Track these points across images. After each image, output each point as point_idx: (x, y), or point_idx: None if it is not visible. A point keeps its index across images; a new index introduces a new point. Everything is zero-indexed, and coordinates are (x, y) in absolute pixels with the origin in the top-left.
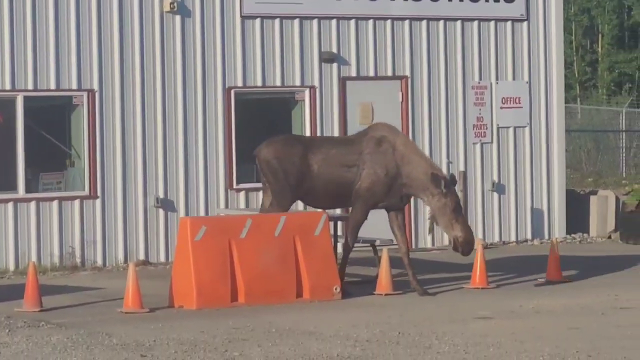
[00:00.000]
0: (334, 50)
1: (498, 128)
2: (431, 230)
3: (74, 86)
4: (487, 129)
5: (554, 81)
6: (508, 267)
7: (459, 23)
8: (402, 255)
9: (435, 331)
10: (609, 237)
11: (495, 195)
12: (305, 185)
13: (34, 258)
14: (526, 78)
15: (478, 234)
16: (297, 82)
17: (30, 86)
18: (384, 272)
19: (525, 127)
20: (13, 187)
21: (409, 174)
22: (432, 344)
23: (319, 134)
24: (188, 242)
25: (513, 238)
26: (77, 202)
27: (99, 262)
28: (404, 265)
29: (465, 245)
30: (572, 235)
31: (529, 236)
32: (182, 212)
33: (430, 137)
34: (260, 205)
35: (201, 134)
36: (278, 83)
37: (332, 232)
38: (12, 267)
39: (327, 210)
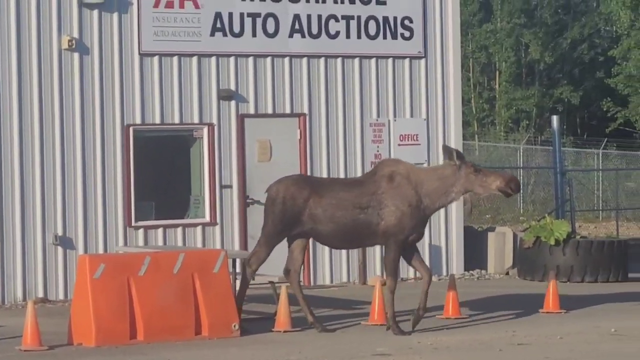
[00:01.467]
0: (232, 87)
1: None
2: (470, 211)
3: None
4: None
5: (452, 118)
6: (406, 304)
7: (357, 60)
8: (424, 284)
9: None
10: (507, 273)
11: None
12: (305, 227)
13: None
14: (424, 115)
15: (376, 271)
16: (196, 120)
17: None
18: (283, 309)
19: (423, 163)
20: None
21: (427, 192)
22: None
23: (217, 170)
24: (87, 280)
25: (412, 275)
26: None
27: None
28: (422, 293)
29: (510, 183)
30: (470, 271)
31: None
32: (80, 249)
33: (328, 175)
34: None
35: (100, 170)
36: (177, 120)
37: (231, 269)
38: None
39: (226, 248)
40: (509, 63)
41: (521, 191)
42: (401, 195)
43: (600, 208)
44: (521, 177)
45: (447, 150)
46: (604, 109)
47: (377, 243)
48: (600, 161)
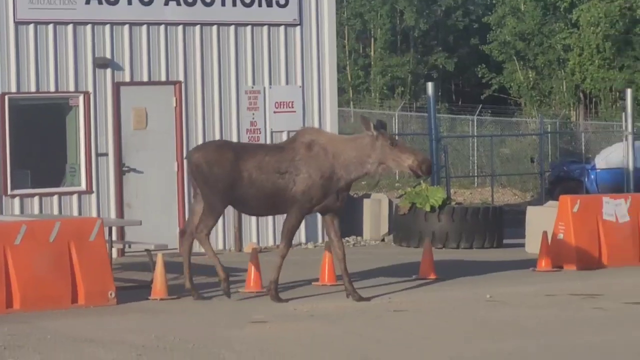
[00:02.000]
0: (108, 55)
1: (272, 132)
2: (376, 185)
3: None
4: (260, 133)
5: (327, 85)
6: (283, 271)
7: (232, 28)
8: (338, 261)
9: (210, 335)
10: (383, 240)
11: None
12: (236, 193)
13: None
14: (299, 82)
15: (252, 238)
16: (72, 88)
17: None
18: (159, 277)
19: None
20: None
21: (343, 163)
22: (207, 348)
23: (92, 139)
24: None
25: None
26: None
27: None
28: (341, 270)
29: (422, 164)
30: (346, 238)
31: (303, 240)
32: None
33: (204, 142)
34: (188, 211)
35: None
36: (52, 89)
37: (107, 237)
38: None
39: (102, 216)
40: (384, 30)
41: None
42: (316, 165)
43: (475, 174)
44: None
45: (364, 120)
46: (479, 76)
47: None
48: (475, 127)
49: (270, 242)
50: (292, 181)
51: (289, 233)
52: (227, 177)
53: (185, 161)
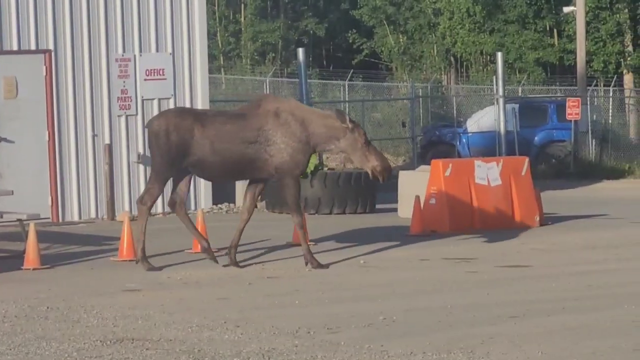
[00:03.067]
0: None
1: (142, 100)
2: (341, 170)
3: None
4: (131, 101)
5: (198, 52)
6: (156, 239)
7: None
8: (241, 222)
9: (84, 304)
10: (255, 206)
11: (141, 167)
12: (192, 159)
13: None
14: (170, 50)
15: (125, 207)
16: None
17: None
18: (31, 246)
19: (169, 98)
20: None
21: (313, 132)
22: (80, 317)
23: None
24: None
25: (160, 210)
26: None
27: None
28: (237, 231)
29: (384, 171)
30: (219, 205)
31: None
32: None
33: (75, 111)
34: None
35: None
36: None
37: None
38: None
39: None
40: None
41: None
42: (290, 132)
43: None
44: None
45: (339, 113)
46: (350, 41)
47: (262, 177)
48: (347, 93)
49: (159, 210)
50: (263, 151)
51: (294, 204)
52: (183, 144)
53: (145, 130)
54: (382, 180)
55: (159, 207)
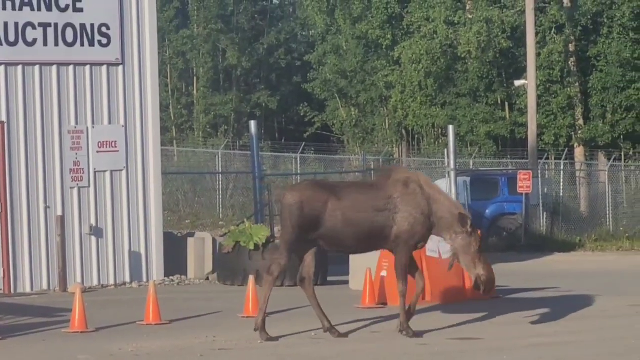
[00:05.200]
0: None
1: (95, 172)
2: (450, 268)
3: None
4: (84, 173)
5: (150, 124)
6: (107, 311)
7: (54, 68)
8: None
9: None
10: (207, 278)
11: (94, 238)
12: (322, 230)
13: None
14: (122, 122)
15: (76, 279)
16: None
17: None
18: None
19: (122, 170)
20: None
21: (436, 212)
22: None
23: None
24: None
25: (112, 281)
26: None
27: None
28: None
29: (487, 283)
30: (171, 277)
31: (127, 279)
32: None
33: (27, 183)
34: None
35: None
36: None
37: None
38: None
39: None
40: (206, 68)
41: (220, 196)
42: (415, 202)
43: None
44: (220, 182)
45: (462, 217)
46: (302, 114)
47: (386, 247)
48: (299, 165)
49: (95, 282)
50: (391, 219)
51: (403, 272)
52: (315, 216)
53: (275, 203)
54: (483, 291)
55: (110, 278)
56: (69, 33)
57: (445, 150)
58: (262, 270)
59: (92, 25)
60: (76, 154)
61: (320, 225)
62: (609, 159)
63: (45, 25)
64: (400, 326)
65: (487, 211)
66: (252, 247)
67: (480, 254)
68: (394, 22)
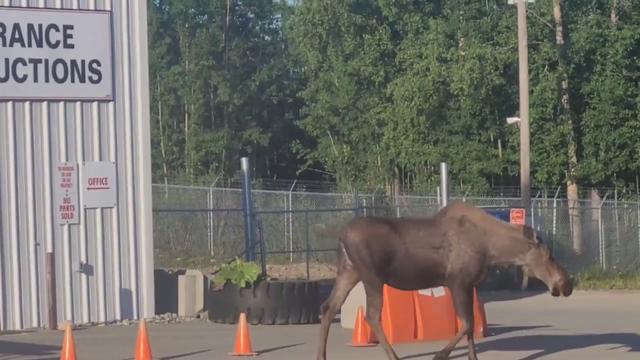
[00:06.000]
0: None
1: (85, 209)
2: (526, 285)
3: None
4: (74, 210)
5: (141, 161)
6: (98, 348)
7: (45, 104)
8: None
9: None
10: (198, 316)
11: (84, 276)
12: (390, 267)
13: None
14: (113, 158)
15: (66, 316)
16: None
17: None
18: None
19: (112, 207)
20: None
21: (494, 245)
22: None
23: None
24: None
25: (102, 319)
26: None
27: None
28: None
29: (566, 287)
30: (161, 315)
31: (118, 317)
32: None
33: (17, 220)
34: (334, 287)
35: None
36: None
37: None
38: None
39: None
40: (197, 105)
41: (211, 234)
42: (470, 240)
43: (291, 250)
44: (211, 220)
45: (527, 229)
46: (293, 151)
47: (441, 284)
48: (290, 202)
49: (85, 320)
50: (446, 256)
51: (464, 310)
52: (383, 252)
53: (339, 241)
54: (564, 294)
55: (101, 316)
56: (60, 69)
57: (438, 187)
58: (253, 308)
59: (83, 62)
60: (66, 190)
61: (390, 261)
62: (602, 197)
63: (35, 61)
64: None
65: None
66: (243, 284)
67: (553, 261)
68: (386, 59)
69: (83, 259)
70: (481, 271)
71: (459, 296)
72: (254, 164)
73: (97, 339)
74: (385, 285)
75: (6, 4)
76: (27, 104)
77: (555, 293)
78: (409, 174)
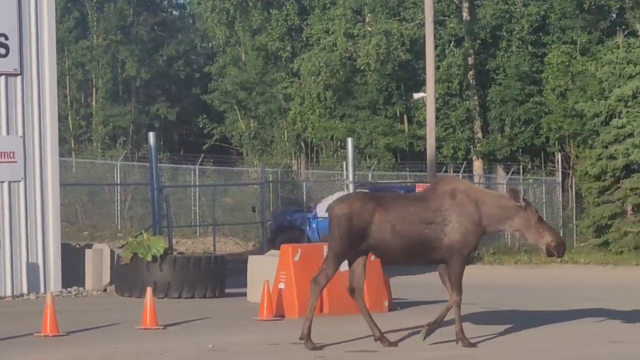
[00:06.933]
0: None
1: None
2: (518, 248)
3: None
4: None
5: (48, 135)
6: (3, 322)
7: None
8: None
9: None
10: (105, 290)
11: None
12: (371, 241)
13: None
14: (20, 132)
15: None
16: None
17: None
18: None
19: (19, 181)
20: None
21: (486, 213)
22: None
23: None
24: None
25: (9, 292)
26: None
27: None
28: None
29: (559, 247)
30: (68, 289)
31: (25, 290)
32: None
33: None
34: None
35: None
36: None
37: None
38: None
39: None
40: (105, 79)
41: (118, 208)
42: (465, 212)
43: (198, 224)
44: (118, 194)
45: (513, 192)
46: (201, 126)
47: (437, 258)
48: (197, 177)
49: (8, 292)
50: (441, 231)
51: (458, 283)
52: (363, 228)
53: (326, 213)
54: (557, 255)
55: (7, 289)
56: None
57: (344, 162)
58: (159, 282)
59: None
60: None
61: (367, 237)
62: (507, 172)
63: None
64: (456, 336)
65: None
66: (149, 258)
67: (542, 222)
68: (293, 34)
69: None
70: (478, 241)
71: (457, 267)
72: (161, 138)
73: (4, 313)
74: (290, 261)
75: None
76: None
77: (549, 254)
78: (315, 148)
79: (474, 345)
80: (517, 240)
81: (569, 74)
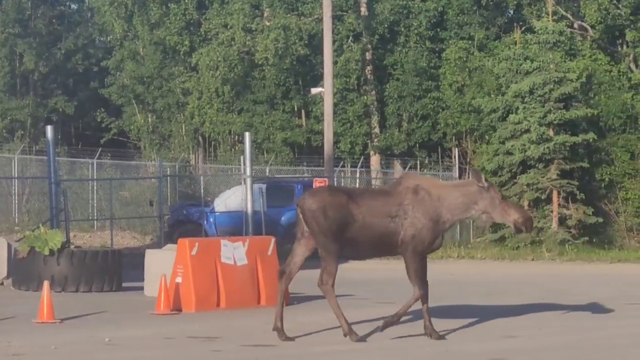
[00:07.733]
0: None
1: None
2: (485, 229)
3: None
4: None
5: None
6: None
7: None
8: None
9: None
10: (2, 283)
11: None
12: (347, 235)
13: None
14: None
15: None
16: None
17: None
18: None
19: None
20: None
21: (449, 207)
22: None
23: None
24: None
25: None
26: None
27: None
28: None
29: (526, 222)
30: None
31: None
32: None
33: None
34: (290, 253)
35: None
36: None
37: None
38: None
39: None
40: (3, 73)
41: (16, 201)
42: (423, 209)
43: (95, 218)
44: (16, 187)
45: (475, 172)
46: (98, 120)
47: (396, 253)
48: (95, 171)
49: None
50: (400, 225)
51: (416, 276)
52: (339, 219)
53: (297, 207)
54: (526, 230)
55: None
56: None
57: (242, 157)
58: (57, 275)
59: None
60: None
61: (345, 229)
62: (404, 167)
63: None
64: (425, 329)
65: (282, 218)
66: (47, 252)
67: (506, 201)
68: (191, 29)
69: None
70: (434, 239)
71: (411, 263)
72: (59, 132)
73: None
74: (187, 255)
75: None
76: None
77: (518, 231)
78: (213, 143)
79: (442, 337)
80: (484, 223)
81: (467, 69)
